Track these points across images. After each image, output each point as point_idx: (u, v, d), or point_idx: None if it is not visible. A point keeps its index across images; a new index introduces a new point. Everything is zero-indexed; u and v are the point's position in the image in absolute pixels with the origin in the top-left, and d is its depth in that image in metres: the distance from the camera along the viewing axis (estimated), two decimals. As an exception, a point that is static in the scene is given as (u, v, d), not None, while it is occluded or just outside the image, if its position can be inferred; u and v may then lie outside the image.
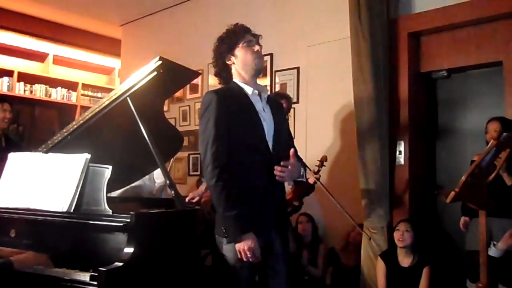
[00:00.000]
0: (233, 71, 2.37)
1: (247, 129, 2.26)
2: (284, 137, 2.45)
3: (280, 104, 2.61)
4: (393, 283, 3.23)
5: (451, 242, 3.61)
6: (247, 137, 2.25)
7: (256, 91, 2.35)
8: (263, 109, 2.34)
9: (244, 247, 2.11)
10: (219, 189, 2.14)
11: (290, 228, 3.10)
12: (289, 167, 2.25)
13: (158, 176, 4.08)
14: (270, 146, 2.30)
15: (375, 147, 3.47)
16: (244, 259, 2.13)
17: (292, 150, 2.30)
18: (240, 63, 2.34)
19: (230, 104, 2.24)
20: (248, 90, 2.33)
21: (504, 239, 2.94)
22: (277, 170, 2.23)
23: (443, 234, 3.70)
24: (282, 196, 2.45)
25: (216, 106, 2.20)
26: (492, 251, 2.88)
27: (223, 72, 2.39)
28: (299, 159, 2.63)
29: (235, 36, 2.34)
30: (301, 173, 2.39)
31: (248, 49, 2.33)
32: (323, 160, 3.29)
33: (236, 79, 2.37)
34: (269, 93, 2.46)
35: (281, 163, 2.24)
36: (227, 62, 2.35)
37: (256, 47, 2.34)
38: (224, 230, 2.17)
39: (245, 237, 2.11)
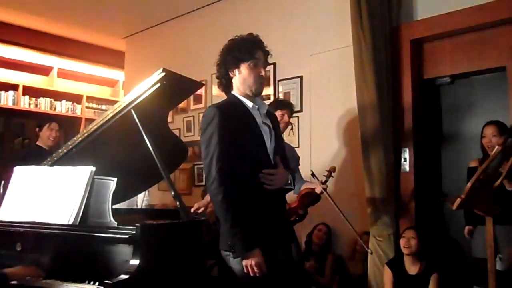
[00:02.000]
0: (234, 82, 2.36)
1: (250, 143, 2.26)
2: (283, 150, 2.46)
3: (275, 116, 2.61)
4: (401, 291, 3.20)
5: (458, 249, 3.59)
6: (250, 151, 2.26)
7: (256, 106, 2.35)
8: (263, 123, 2.34)
9: (251, 263, 2.11)
10: (226, 205, 2.14)
11: (294, 238, 3.09)
12: (275, 174, 2.26)
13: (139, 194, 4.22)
14: (272, 159, 2.32)
15: (380, 155, 3.46)
16: (251, 274, 2.13)
17: (277, 158, 2.31)
18: (241, 79, 2.31)
19: (233, 119, 2.23)
20: (249, 104, 2.33)
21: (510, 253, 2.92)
22: (266, 178, 2.23)
23: (449, 241, 3.68)
24: (284, 207, 2.46)
25: (219, 122, 2.19)
26: (498, 265, 2.85)
27: (224, 79, 2.37)
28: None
29: (246, 52, 2.27)
30: (289, 181, 2.38)
31: (253, 71, 2.28)
32: (331, 170, 3.26)
33: (235, 91, 2.36)
34: (267, 106, 2.44)
35: (264, 171, 2.24)
36: (230, 73, 2.34)
37: (262, 71, 2.30)
38: (231, 246, 2.17)
39: (252, 253, 2.12)
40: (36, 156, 4.04)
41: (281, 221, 2.35)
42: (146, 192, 4.32)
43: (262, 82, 2.33)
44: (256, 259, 2.11)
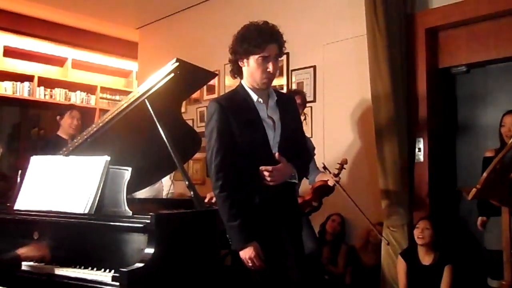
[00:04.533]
0: (243, 71, 2.33)
1: (250, 138, 2.25)
2: (294, 141, 2.40)
3: (291, 99, 2.52)
4: (414, 281, 3.19)
5: (472, 239, 3.56)
6: (250, 146, 2.25)
7: (261, 100, 2.31)
8: (268, 116, 2.31)
9: (246, 256, 2.18)
10: (222, 199, 2.20)
11: (306, 229, 3.09)
12: (274, 171, 2.22)
13: (165, 183, 4.28)
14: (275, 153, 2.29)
15: (394, 145, 3.44)
16: (248, 267, 2.19)
17: (277, 153, 2.27)
18: (248, 71, 2.28)
19: (233, 114, 2.23)
20: (254, 97, 2.31)
21: None
22: (266, 175, 2.22)
23: (464, 232, 3.65)
24: (292, 200, 2.45)
25: (218, 117, 2.22)
26: None
27: (235, 66, 2.35)
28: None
29: (256, 45, 2.19)
30: (293, 174, 2.35)
31: (261, 66, 2.22)
32: (343, 163, 3.25)
33: (245, 81, 2.34)
34: (276, 97, 2.37)
35: (261, 168, 2.22)
36: (239, 62, 2.31)
37: (270, 67, 2.23)
38: (229, 239, 2.25)
39: (247, 246, 2.18)
40: (54, 147, 4.02)
41: (286, 214, 2.35)
42: (171, 182, 4.38)
43: (269, 77, 2.27)
44: (250, 253, 2.17)
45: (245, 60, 2.26)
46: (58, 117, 4.51)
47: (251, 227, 2.21)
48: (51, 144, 4.31)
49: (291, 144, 2.36)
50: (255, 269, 2.19)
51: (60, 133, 4.49)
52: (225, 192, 2.19)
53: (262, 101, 2.31)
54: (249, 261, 2.17)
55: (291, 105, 2.47)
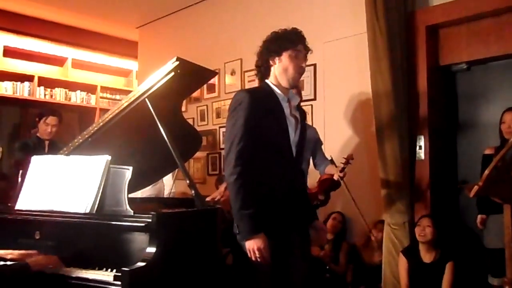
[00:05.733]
0: (272, 71, 2.38)
1: (274, 132, 2.29)
2: (309, 144, 2.52)
3: (305, 113, 2.61)
4: (416, 279, 3.20)
5: (474, 237, 3.56)
6: (274, 139, 2.29)
7: (286, 98, 2.37)
8: (291, 114, 2.37)
9: (253, 246, 2.14)
10: (237, 186, 2.17)
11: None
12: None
13: (167, 182, 4.28)
14: (294, 151, 2.34)
15: (395, 142, 3.44)
16: (253, 258, 2.16)
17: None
18: (280, 68, 2.34)
19: (261, 106, 2.27)
20: (279, 94, 2.36)
21: None
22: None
23: (465, 229, 3.65)
24: (305, 200, 2.49)
25: (247, 106, 2.22)
26: None
27: (263, 66, 2.41)
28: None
29: (289, 41, 2.33)
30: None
31: (294, 60, 2.32)
32: (349, 158, 3.25)
33: (270, 80, 2.39)
34: (298, 100, 2.48)
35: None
36: (270, 61, 2.37)
37: (302, 63, 2.35)
38: (237, 227, 2.20)
39: (255, 236, 2.15)
40: (34, 147, 3.99)
41: (299, 214, 2.37)
42: (173, 181, 4.39)
43: (301, 73, 2.37)
44: (258, 243, 2.14)
45: (276, 58, 2.34)
46: (36, 119, 4.41)
47: (266, 221, 2.19)
48: (30, 146, 4.24)
49: (303, 149, 2.44)
50: (259, 261, 2.16)
51: (39, 135, 4.40)
52: (242, 180, 2.17)
53: (286, 100, 2.37)
54: (256, 252, 2.14)
55: (305, 116, 2.54)
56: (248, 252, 2.17)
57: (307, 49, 2.39)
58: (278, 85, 2.37)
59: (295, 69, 2.33)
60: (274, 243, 2.20)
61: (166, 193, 4.43)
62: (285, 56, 2.32)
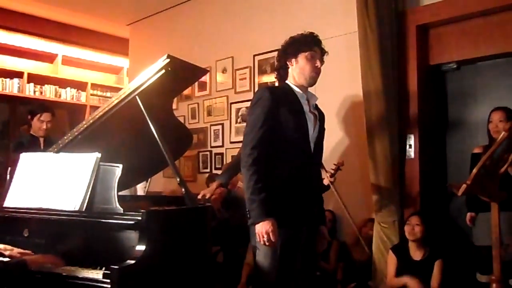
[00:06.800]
0: (290, 72, 2.52)
1: (294, 125, 2.38)
2: (321, 146, 2.60)
3: (323, 114, 2.69)
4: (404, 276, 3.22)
5: (462, 235, 3.59)
6: (292, 133, 2.37)
7: (305, 96, 2.48)
8: (310, 111, 2.47)
9: (263, 229, 2.22)
10: (251, 172, 2.26)
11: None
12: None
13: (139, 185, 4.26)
14: (312, 147, 2.45)
15: (385, 141, 3.46)
16: (261, 242, 2.23)
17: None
18: (297, 69, 2.48)
19: (281, 100, 2.38)
20: (298, 92, 2.48)
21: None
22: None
23: (454, 227, 3.68)
24: (319, 197, 2.60)
25: (267, 100, 2.34)
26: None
27: (282, 69, 2.55)
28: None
29: (305, 43, 2.46)
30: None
31: (310, 61, 2.45)
32: (339, 164, 3.33)
33: (290, 80, 2.51)
34: (317, 99, 2.59)
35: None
36: (288, 63, 2.49)
37: (318, 63, 2.47)
38: (248, 212, 2.27)
39: (266, 219, 2.22)
40: (29, 147, 3.90)
41: (311, 210, 2.46)
42: (146, 185, 4.34)
43: (317, 72, 2.49)
44: (267, 227, 2.21)
45: (293, 60, 2.48)
46: (29, 117, 4.31)
47: (281, 209, 2.28)
48: (25, 145, 4.15)
49: (320, 146, 2.56)
50: (268, 245, 2.24)
51: (33, 132, 4.31)
52: (256, 167, 2.26)
53: (305, 98, 2.48)
54: (265, 235, 2.21)
55: (323, 118, 2.64)
56: (257, 236, 2.24)
57: (323, 51, 2.52)
58: (297, 85, 2.49)
59: (311, 68, 2.45)
60: (286, 232, 2.29)
61: (138, 193, 4.38)
62: (301, 58, 2.46)
